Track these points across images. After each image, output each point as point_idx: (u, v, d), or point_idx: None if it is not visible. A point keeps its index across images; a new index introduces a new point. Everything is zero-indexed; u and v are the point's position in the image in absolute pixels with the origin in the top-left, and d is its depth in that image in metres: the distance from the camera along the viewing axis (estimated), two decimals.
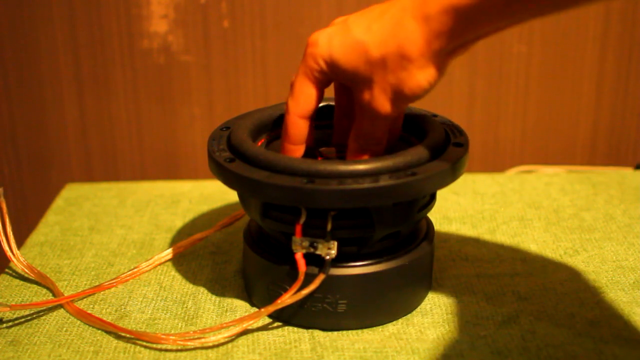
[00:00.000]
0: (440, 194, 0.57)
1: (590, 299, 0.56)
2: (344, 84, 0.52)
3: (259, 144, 0.57)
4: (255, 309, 0.56)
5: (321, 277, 0.50)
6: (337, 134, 0.57)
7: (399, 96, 0.48)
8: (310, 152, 0.55)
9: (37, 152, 0.96)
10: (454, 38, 0.45)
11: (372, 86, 0.48)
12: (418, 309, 0.56)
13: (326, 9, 0.91)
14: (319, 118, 0.56)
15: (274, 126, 0.58)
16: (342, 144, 0.57)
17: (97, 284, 0.60)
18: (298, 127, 0.52)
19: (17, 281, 0.60)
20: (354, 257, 0.52)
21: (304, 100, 0.51)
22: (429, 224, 0.58)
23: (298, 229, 0.50)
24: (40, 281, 0.60)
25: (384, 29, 0.47)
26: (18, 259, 0.60)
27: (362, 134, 0.51)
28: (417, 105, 0.58)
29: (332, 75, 0.50)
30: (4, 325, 0.54)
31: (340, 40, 0.48)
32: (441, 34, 0.45)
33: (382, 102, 0.48)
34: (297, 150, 0.53)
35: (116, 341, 0.52)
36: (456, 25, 0.44)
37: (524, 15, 0.43)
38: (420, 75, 0.46)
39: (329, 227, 0.49)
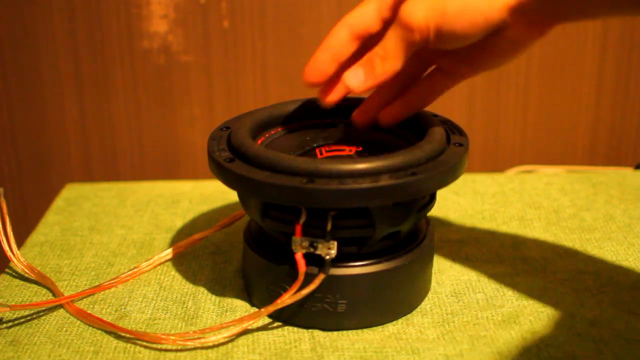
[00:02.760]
0: (440, 194, 0.57)
1: (590, 299, 0.56)
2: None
3: (259, 143, 0.57)
4: (255, 309, 0.56)
5: (321, 277, 0.50)
6: (363, 107, 0.56)
7: (438, 12, 0.45)
8: (311, 152, 0.55)
9: (37, 152, 0.96)
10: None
11: None
12: (418, 309, 0.56)
13: (326, 9, 0.91)
14: (317, 117, 0.56)
15: (273, 126, 0.58)
16: (358, 122, 0.56)
17: (97, 284, 0.60)
18: (337, 37, 0.49)
19: (17, 281, 0.60)
20: (354, 257, 0.52)
21: (359, 13, 0.48)
22: (429, 224, 0.58)
23: (298, 229, 0.50)
24: (40, 281, 0.60)
25: None
26: (18, 259, 0.60)
27: (379, 42, 0.48)
28: None
29: None
30: (4, 325, 0.54)
31: None
32: None
33: (414, 8, 0.45)
34: (318, 67, 0.49)
35: (116, 341, 0.52)
36: None
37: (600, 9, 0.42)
38: (484, 5, 0.44)
39: (329, 227, 0.49)
